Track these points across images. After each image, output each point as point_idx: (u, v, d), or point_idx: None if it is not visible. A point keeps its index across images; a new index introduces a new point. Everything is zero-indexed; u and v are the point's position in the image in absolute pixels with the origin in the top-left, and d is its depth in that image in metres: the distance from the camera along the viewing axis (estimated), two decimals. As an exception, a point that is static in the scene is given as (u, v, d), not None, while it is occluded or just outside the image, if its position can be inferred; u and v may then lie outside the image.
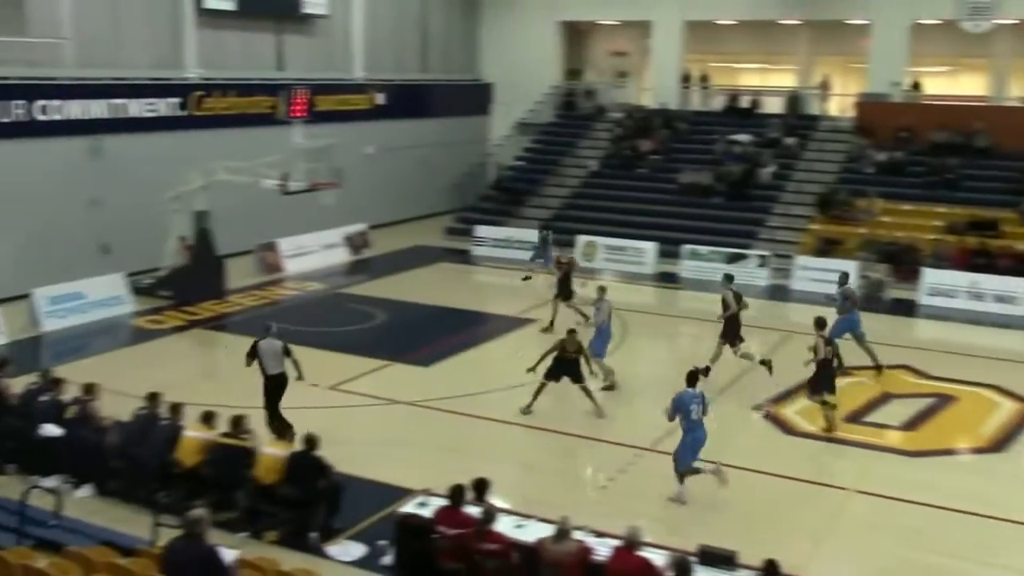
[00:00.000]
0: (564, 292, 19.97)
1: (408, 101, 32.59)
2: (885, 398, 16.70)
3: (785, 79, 35.52)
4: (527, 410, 15.26)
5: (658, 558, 9.12)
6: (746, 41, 35.85)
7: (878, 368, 17.94)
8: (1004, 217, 25.59)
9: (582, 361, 15.27)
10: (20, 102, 21.09)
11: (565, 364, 15.16)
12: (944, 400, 16.65)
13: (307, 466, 11.24)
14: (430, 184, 32.76)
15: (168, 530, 9.61)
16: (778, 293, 24.54)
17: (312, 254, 26.26)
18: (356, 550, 10.95)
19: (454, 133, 34.07)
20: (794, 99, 32.27)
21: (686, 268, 26.20)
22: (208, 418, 12.14)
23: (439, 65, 34.80)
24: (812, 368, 15.19)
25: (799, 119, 31.52)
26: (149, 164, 22.98)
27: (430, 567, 9.72)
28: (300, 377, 13.97)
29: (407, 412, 15.53)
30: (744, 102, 32.94)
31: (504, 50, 35.49)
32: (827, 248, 25.72)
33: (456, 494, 9.81)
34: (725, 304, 17.47)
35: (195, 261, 21.97)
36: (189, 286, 21.74)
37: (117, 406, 13.33)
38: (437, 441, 14.39)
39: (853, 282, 23.93)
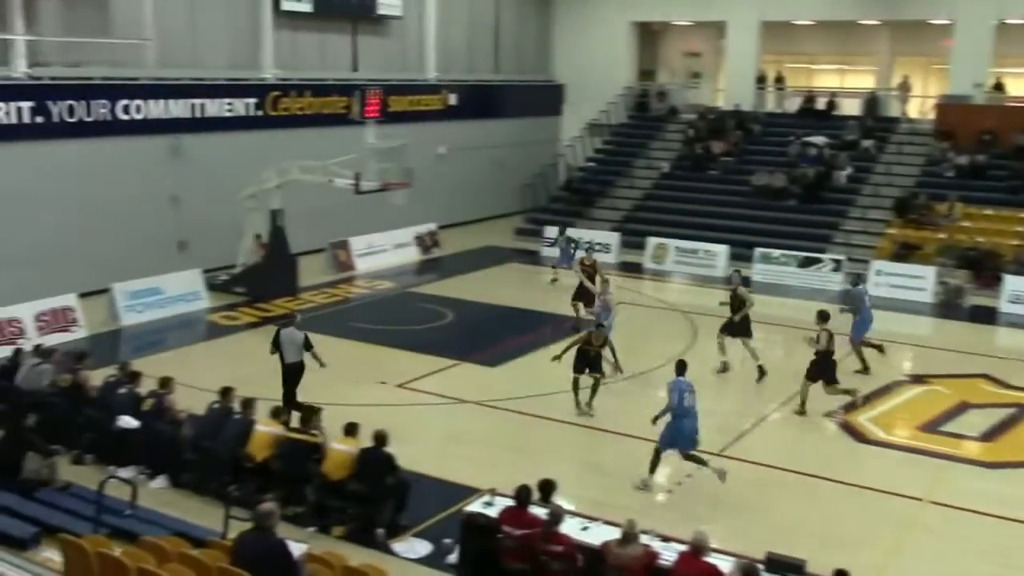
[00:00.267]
0: (584, 296, 19.70)
1: (480, 101, 32.72)
2: (963, 407, 16.26)
3: (863, 80, 34.84)
4: (582, 411, 15.24)
5: (725, 564, 8.99)
6: (823, 41, 35.27)
7: (865, 370, 17.81)
8: (1091, 223, 24.79)
9: (604, 353, 15.27)
10: (103, 102, 21.65)
11: (588, 357, 15.23)
12: (1025, 411, 16.17)
13: (376, 463, 11.33)
14: (501, 184, 32.82)
15: (239, 523, 9.77)
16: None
17: (383, 253, 26.51)
18: (422, 547, 11.01)
19: (525, 133, 34.10)
20: (872, 101, 31.61)
21: (757, 271, 25.83)
22: (278, 413, 12.33)
23: (511, 66, 34.86)
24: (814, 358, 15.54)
25: (877, 121, 30.87)
26: (226, 163, 23.46)
27: (495, 567, 9.72)
28: (322, 365, 14.72)
29: (474, 411, 15.57)
30: (820, 103, 32.38)
31: (576, 50, 35.39)
32: (905, 253, 25.15)
33: (522, 495, 9.79)
34: (744, 301, 17.59)
35: (269, 259, 22.31)
36: (263, 283, 22.09)
37: (192, 400, 13.62)
38: (503, 441, 14.41)
39: (931, 287, 23.55)
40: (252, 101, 25.08)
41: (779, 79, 34.39)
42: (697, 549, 8.91)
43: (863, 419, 15.57)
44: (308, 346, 14.62)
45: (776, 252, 25.87)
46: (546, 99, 35.85)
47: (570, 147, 34.01)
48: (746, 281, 18.19)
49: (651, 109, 34.72)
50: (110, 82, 22.02)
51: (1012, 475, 13.87)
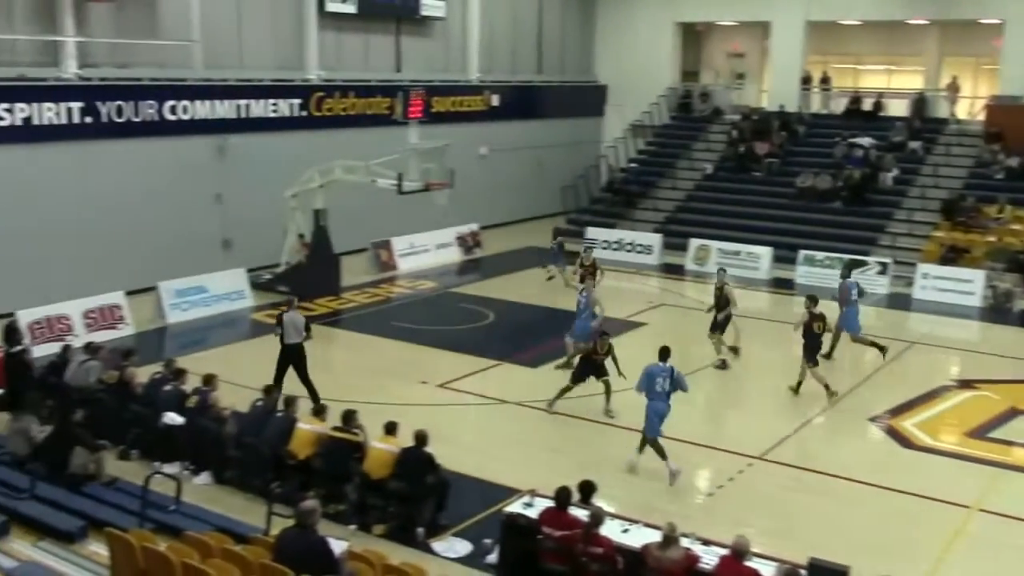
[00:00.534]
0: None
1: (522, 102, 32.74)
2: (1012, 414, 15.96)
3: (911, 81, 34.36)
4: (552, 409, 15.32)
5: (766, 569, 8.92)
6: (870, 41, 34.86)
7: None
8: None
9: (608, 361, 15.25)
10: (151, 102, 21.95)
11: (592, 365, 15.23)
12: (1076, 417, 15.84)
13: (416, 462, 11.37)
14: (542, 185, 32.81)
15: (281, 520, 9.84)
16: (899, 302, 23.73)
17: (425, 253, 26.61)
18: (461, 547, 11.03)
19: (567, 134, 34.06)
20: (920, 101, 31.16)
21: (801, 274, 25.59)
22: (319, 411, 12.41)
23: (554, 66, 34.84)
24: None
25: (925, 122, 30.43)
26: (270, 163, 23.68)
27: (534, 568, 9.71)
28: (308, 338, 15.58)
29: (514, 412, 15.57)
30: (867, 104, 31.98)
31: (619, 51, 35.29)
32: (952, 256, 24.75)
33: (562, 496, 9.78)
34: (729, 300, 17.90)
35: (312, 258, 22.49)
36: (306, 282, 22.24)
37: (235, 397, 13.76)
38: (543, 442, 14.39)
39: (979, 291, 23.17)
40: (296, 102, 25.29)
41: (825, 79, 34.03)
42: (738, 553, 8.84)
43: (909, 424, 15.35)
44: (307, 329, 15.52)
45: (820, 254, 25.59)
46: (588, 100, 35.78)
47: (612, 148, 33.90)
48: (723, 274, 18.71)
49: (694, 110, 34.53)
50: (158, 83, 22.32)
51: (1063, 483, 13.60)
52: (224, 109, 23.54)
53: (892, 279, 24.67)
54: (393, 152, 21.39)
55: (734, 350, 18.31)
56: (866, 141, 29.51)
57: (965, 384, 17.46)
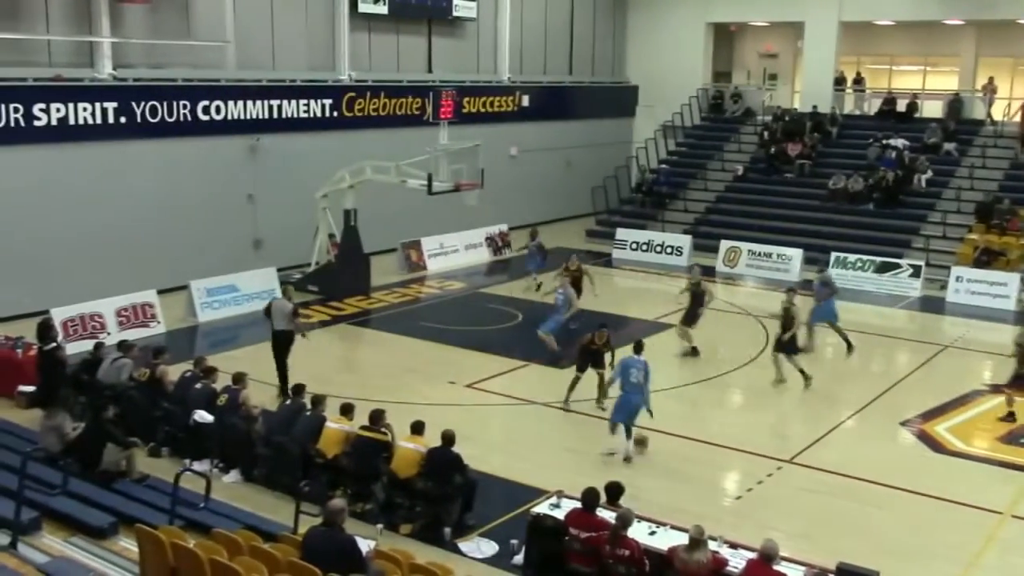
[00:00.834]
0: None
1: (552, 103, 32.71)
2: (1047, 419, 15.76)
3: (946, 81, 33.99)
4: (568, 407, 15.49)
5: (795, 574, 8.86)
6: (905, 41, 34.51)
7: (849, 347, 18.91)
8: None
9: (606, 353, 15.41)
10: (184, 103, 22.14)
11: (591, 354, 15.39)
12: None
13: (444, 462, 11.39)
14: (572, 186, 32.76)
15: (309, 518, 9.89)
16: (932, 305, 23.49)
17: (454, 253, 26.66)
18: (488, 547, 11.03)
19: (598, 135, 33.99)
20: (955, 103, 30.82)
21: (833, 276, 25.31)
22: (347, 410, 12.45)
23: (584, 67, 34.79)
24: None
25: (960, 124, 30.09)
26: (302, 163, 23.82)
27: (560, 569, 9.70)
28: (303, 336, 16.31)
29: (541, 413, 15.56)
30: (901, 105, 31.66)
31: (650, 52, 35.17)
32: (987, 259, 24.46)
33: (590, 497, 9.76)
34: (704, 294, 18.55)
35: (342, 258, 22.60)
36: (336, 282, 22.38)
37: (264, 395, 13.86)
38: (570, 443, 14.37)
39: (1014, 294, 22.88)
40: (328, 102, 25.42)
41: (858, 80, 33.75)
42: (766, 557, 8.78)
43: (941, 428, 15.19)
44: (295, 315, 16.08)
45: (852, 257, 25.38)
46: (619, 100, 35.70)
47: (642, 149, 33.80)
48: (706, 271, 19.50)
49: (726, 111, 34.36)
50: (191, 84, 22.52)
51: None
52: (256, 109, 23.70)
53: (925, 282, 24.42)
54: (423, 152, 21.45)
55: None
56: (900, 142, 29.23)
57: (998, 389, 17.23)
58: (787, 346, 17.04)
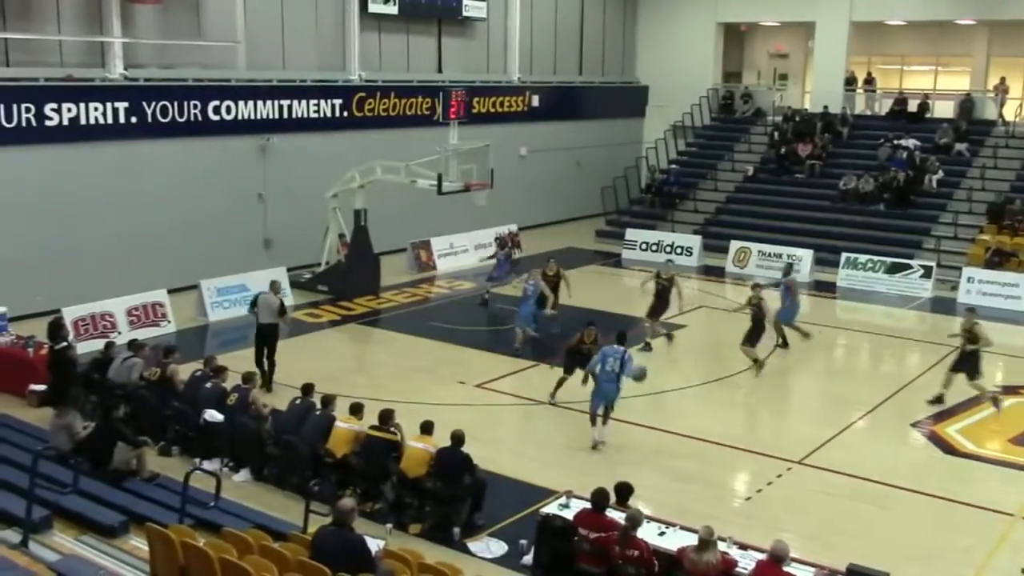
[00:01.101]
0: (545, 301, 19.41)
1: (562, 103, 32.69)
2: (1059, 421, 15.69)
3: (957, 82, 33.86)
4: (554, 401, 15.64)
5: (805, 575, 8.83)
6: (916, 41, 34.40)
7: (784, 345, 19.04)
8: None
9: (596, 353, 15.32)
10: (195, 103, 22.20)
11: (579, 355, 15.38)
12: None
13: (454, 462, 11.40)
14: (582, 186, 32.74)
15: (318, 518, 9.90)
16: (943, 306, 23.40)
17: (464, 253, 26.65)
18: (497, 547, 11.03)
19: (608, 135, 33.97)
20: (967, 103, 30.70)
21: (843, 277, 25.32)
22: (356, 410, 12.45)
23: (595, 67, 34.76)
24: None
25: (971, 124, 29.97)
26: (312, 163, 23.87)
27: (569, 569, 9.69)
28: (285, 323, 16.90)
29: (551, 413, 15.54)
30: (912, 105, 31.55)
31: (661, 52, 35.12)
32: (998, 260, 24.36)
33: (599, 497, 9.75)
34: (673, 287, 19.06)
35: (352, 258, 22.62)
36: (346, 282, 22.40)
37: (274, 395, 13.87)
38: (579, 443, 14.33)
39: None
40: (338, 102, 25.45)
41: (869, 80, 33.64)
42: (776, 558, 8.76)
43: (952, 430, 15.14)
44: (282, 311, 16.49)
45: (863, 257, 25.31)
46: (629, 101, 35.66)
47: (652, 149, 33.76)
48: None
49: (736, 111, 34.30)
50: (202, 84, 22.57)
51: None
52: (267, 109, 23.75)
53: (936, 283, 24.33)
54: (433, 152, 21.46)
55: (648, 345, 18.99)
56: (911, 143, 29.13)
57: (1009, 390, 17.17)
58: (751, 338, 17.52)
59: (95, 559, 9.42)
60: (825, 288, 25.05)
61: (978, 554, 11.29)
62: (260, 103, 23.57)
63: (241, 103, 23.16)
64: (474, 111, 25.56)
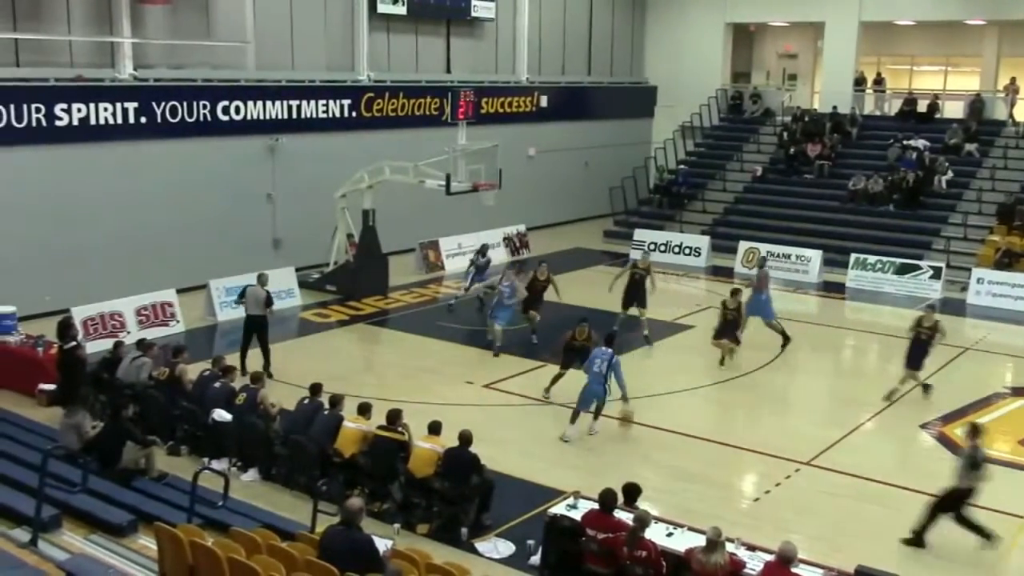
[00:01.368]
0: (537, 306, 19.31)
1: (571, 103, 32.68)
2: (1069, 423, 15.63)
3: (967, 82, 33.74)
4: (548, 397, 15.86)
5: (813, 577, 8.82)
6: (926, 42, 34.29)
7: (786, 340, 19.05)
8: None
9: (592, 349, 15.40)
10: (204, 103, 22.24)
11: (573, 352, 15.51)
12: None
13: (461, 462, 11.40)
14: (590, 187, 32.73)
15: (326, 517, 9.91)
16: (952, 307, 23.33)
17: (472, 254, 26.55)
18: (505, 548, 11.03)
19: (616, 136, 33.95)
20: (977, 103, 30.59)
21: (852, 278, 25.26)
22: (364, 410, 12.46)
23: (603, 68, 34.74)
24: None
25: (981, 124, 29.87)
26: (320, 163, 23.90)
27: (577, 570, 9.69)
28: (271, 315, 17.27)
29: (559, 413, 15.51)
30: (921, 106, 31.48)
31: (669, 52, 35.09)
32: (1008, 261, 24.27)
33: (607, 498, 9.74)
34: (649, 273, 19.46)
35: (361, 258, 22.64)
36: (354, 282, 22.42)
37: (283, 395, 13.90)
38: (587, 444, 14.34)
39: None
40: (347, 102, 25.48)
41: (878, 80, 33.56)
42: (784, 559, 8.74)
43: (961, 432, 15.06)
44: (268, 303, 16.96)
45: (872, 258, 25.25)
46: (637, 101, 35.63)
47: (661, 149, 33.73)
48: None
49: (745, 111, 34.25)
50: (211, 84, 22.63)
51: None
52: (276, 110, 23.79)
53: (946, 284, 24.27)
54: (442, 153, 21.47)
55: (647, 339, 19.27)
56: (920, 143, 29.06)
57: (1019, 392, 17.13)
58: (727, 332, 17.89)
59: (104, 558, 9.45)
60: (834, 289, 25.00)
61: (988, 556, 11.25)
62: (269, 103, 23.61)
63: (250, 103, 23.21)
64: (482, 111, 25.54)
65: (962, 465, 11.38)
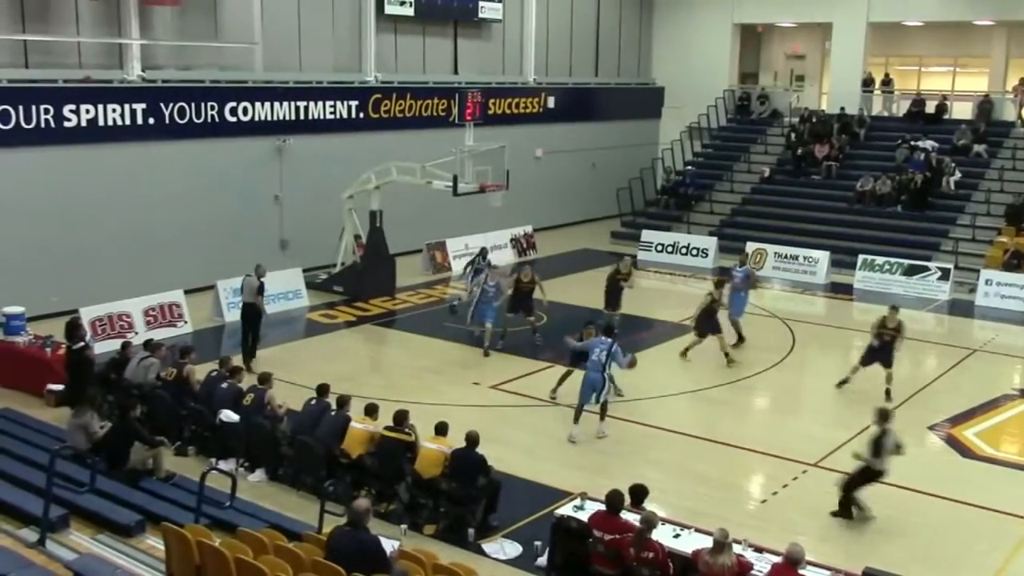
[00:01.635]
0: (526, 307, 19.27)
1: (578, 104, 32.67)
2: (1077, 424, 15.58)
3: (976, 83, 33.64)
4: (554, 397, 15.85)
5: (820, 578, 8.80)
6: (934, 42, 34.20)
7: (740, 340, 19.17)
8: None
9: None
10: (212, 104, 22.29)
11: (580, 352, 15.38)
12: None
13: (468, 463, 11.40)
14: (597, 188, 32.70)
15: (333, 518, 9.92)
16: (961, 308, 23.28)
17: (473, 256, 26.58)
18: (511, 549, 11.02)
19: (623, 137, 33.93)
20: (986, 104, 30.50)
21: (860, 279, 25.21)
22: (371, 411, 12.47)
23: (611, 69, 34.73)
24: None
25: (990, 125, 29.78)
26: (328, 164, 23.93)
27: (584, 571, 9.68)
28: (260, 304, 17.58)
29: (566, 414, 15.48)
30: (930, 107, 31.39)
31: (677, 53, 35.05)
32: (1016, 262, 24.20)
33: (614, 499, 9.73)
34: (629, 278, 19.77)
35: (368, 259, 22.66)
36: (361, 283, 22.44)
37: (290, 395, 13.92)
38: (594, 445, 14.32)
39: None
40: (354, 103, 25.51)
41: (886, 81, 33.48)
42: (792, 561, 8.73)
43: (969, 433, 15.04)
44: (260, 291, 17.41)
45: (880, 259, 25.20)
46: (645, 102, 35.60)
47: (668, 150, 33.70)
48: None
49: (753, 112, 34.19)
50: (219, 85, 22.67)
51: None
52: (283, 111, 23.83)
53: (954, 285, 24.21)
54: (449, 154, 21.48)
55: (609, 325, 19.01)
56: (929, 144, 28.97)
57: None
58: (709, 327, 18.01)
59: (111, 558, 9.47)
60: (842, 290, 24.96)
61: (995, 559, 11.23)
62: (277, 104, 23.65)
63: (258, 104, 23.25)
64: (490, 112, 25.57)
65: (872, 448, 11.88)
